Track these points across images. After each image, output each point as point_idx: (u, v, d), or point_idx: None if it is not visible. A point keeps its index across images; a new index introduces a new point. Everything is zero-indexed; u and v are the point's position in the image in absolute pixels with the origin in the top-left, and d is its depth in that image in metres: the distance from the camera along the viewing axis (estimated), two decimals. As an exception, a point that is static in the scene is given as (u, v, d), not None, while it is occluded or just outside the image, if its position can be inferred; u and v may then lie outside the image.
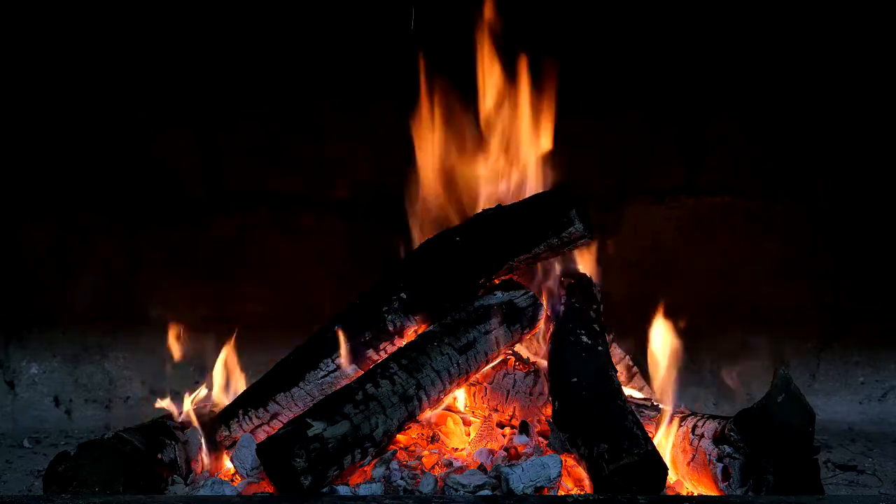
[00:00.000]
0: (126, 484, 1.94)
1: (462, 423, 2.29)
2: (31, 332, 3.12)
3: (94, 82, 3.03)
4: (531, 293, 2.31)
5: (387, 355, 2.21)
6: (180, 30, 3.00)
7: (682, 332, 2.37)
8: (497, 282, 2.33)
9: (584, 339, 2.25)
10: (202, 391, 2.37)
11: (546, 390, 2.24)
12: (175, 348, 2.56)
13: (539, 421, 2.25)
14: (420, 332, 2.25)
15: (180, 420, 2.23)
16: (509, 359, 2.34)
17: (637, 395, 2.40)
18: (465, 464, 2.11)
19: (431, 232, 2.44)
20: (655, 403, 2.28)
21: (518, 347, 2.38)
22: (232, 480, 2.12)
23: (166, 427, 2.16)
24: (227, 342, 2.44)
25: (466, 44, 2.62)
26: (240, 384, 2.39)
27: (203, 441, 2.19)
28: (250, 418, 2.24)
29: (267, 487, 2.01)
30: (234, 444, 2.20)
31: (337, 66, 3.04)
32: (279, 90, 3.06)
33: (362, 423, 1.97)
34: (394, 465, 2.05)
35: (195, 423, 2.20)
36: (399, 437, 2.15)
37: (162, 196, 3.11)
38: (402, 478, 2.02)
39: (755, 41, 3.03)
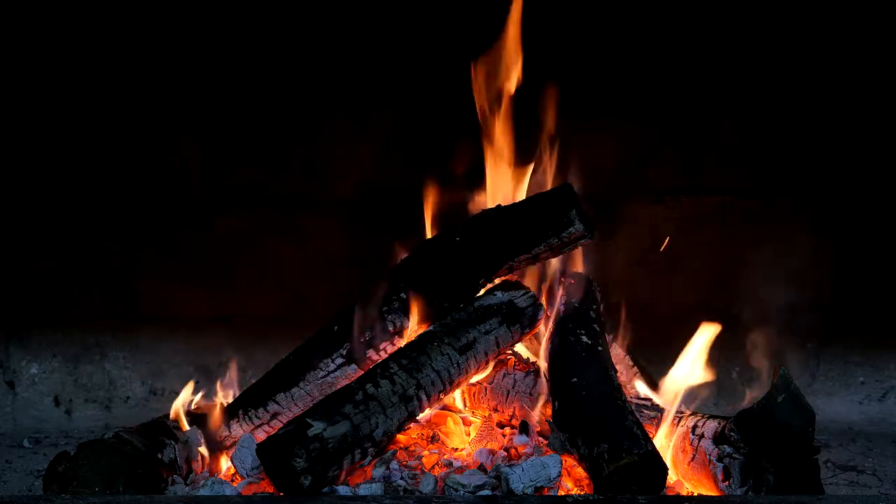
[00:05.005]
0: (126, 484, 1.93)
1: (462, 423, 2.29)
2: (31, 332, 3.12)
3: (95, 83, 3.03)
4: (531, 293, 2.31)
5: (387, 355, 2.21)
6: (182, 31, 3.00)
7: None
8: (497, 282, 2.33)
9: (584, 339, 2.25)
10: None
11: (546, 390, 2.24)
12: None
13: (539, 421, 2.25)
14: (420, 332, 2.25)
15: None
16: (509, 359, 2.34)
17: (637, 395, 2.40)
18: (465, 464, 2.11)
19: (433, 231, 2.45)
20: (655, 403, 2.28)
21: (518, 347, 2.38)
22: (232, 480, 2.13)
23: (166, 427, 2.16)
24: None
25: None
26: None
27: (203, 441, 2.19)
28: (250, 418, 2.24)
29: (267, 487, 2.01)
30: (234, 444, 2.20)
31: (337, 67, 3.04)
32: (280, 91, 3.07)
33: (362, 423, 1.97)
34: (394, 465, 2.05)
35: (185, 427, 2.20)
36: (399, 437, 2.15)
37: (162, 196, 3.11)
38: (402, 478, 2.02)
39: (756, 41, 3.03)
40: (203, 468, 2.19)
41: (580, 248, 2.34)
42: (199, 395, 2.37)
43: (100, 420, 3.08)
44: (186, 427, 2.19)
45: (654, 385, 2.42)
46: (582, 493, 1.98)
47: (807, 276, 3.13)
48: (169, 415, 2.25)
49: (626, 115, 3.07)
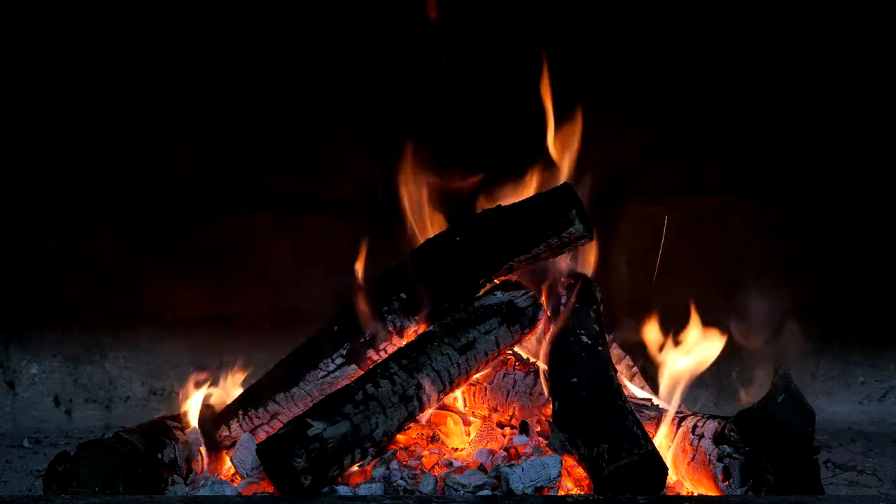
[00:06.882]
0: (126, 484, 1.93)
1: (462, 423, 2.29)
2: (31, 332, 3.12)
3: (94, 82, 3.03)
4: (531, 293, 2.31)
5: (387, 355, 2.21)
6: (181, 32, 3.00)
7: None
8: (497, 282, 2.33)
9: (584, 339, 2.25)
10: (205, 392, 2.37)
11: (546, 390, 2.24)
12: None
13: (539, 421, 2.25)
14: (420, 332, 2.25)
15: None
16: (509, 359, 2.34)
17: (637, 394, 2.40)
18: (465, 464, 2.11)
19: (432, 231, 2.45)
20: (655, 403, 2.28)
21: (518, 347, 2.38)
22: (232, 480, 2.13)
23: (166, 427, 2.16)
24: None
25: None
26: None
27: (203, 441, 2.19)
28: (250, 418, 2.24)
29: (267, 487, 2.01)
30: (234, 444, 2.20)
31: (337, 67, 3.04)
32: (279, 90, 3.06)
33: (362, 423, 1.97)
34: (394, 465, 2.05)
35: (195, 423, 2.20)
36: (399, 437, 2.15)
37: (162, 196, 3.11)
38: (402, 478, 2.02)
39: (756, 41, 3.03)
40: (203, 468, 2.19)
41: (580, 247, 2.34)
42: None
43: (100, 420, 3.08)
44: (196, 423, 2.20)
45: (654, 385, 2.43)
46: (582, 493, 1.98)
47: (807, 276, 3.13)
48: (169, 415, 2.25)
49: (626, 115, 3.07)
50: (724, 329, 2.39)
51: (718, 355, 2.35)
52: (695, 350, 2.36)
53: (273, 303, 3.11)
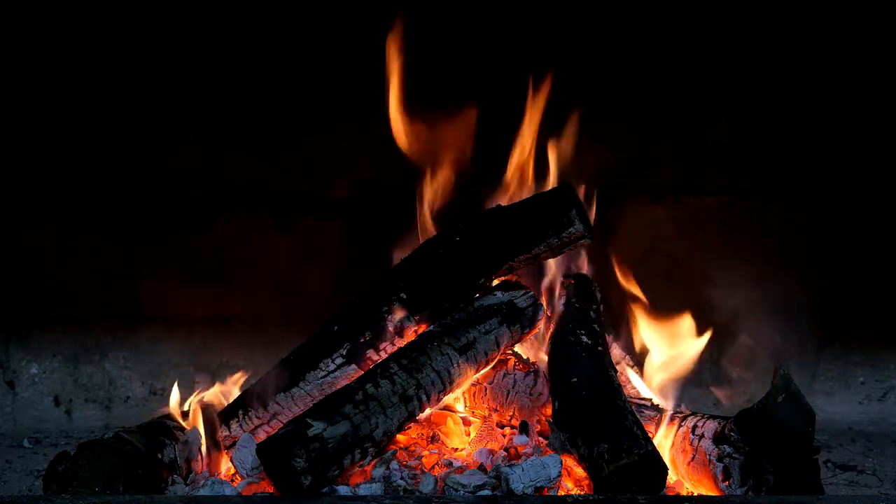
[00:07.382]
0: (126, 484, 1.93)
1: (462, 423, 2.29)
2: (31, 332, 3.12)
3: (94, 83, 3.03)
4: (531, 293, 2.31)
5: (387, 355, 2.21)
6: (181, 32, 3.00)
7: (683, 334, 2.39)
8: (497, 282, 2.33)
9: (584, 339, 2.25)
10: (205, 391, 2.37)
11: (546, 390, 2.24)
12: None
13: (539, 421, 2.25)
14: (420, 332, 2.25)
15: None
16: (509, 359, 2.34)
17: (637, 394, 2.41)
18: (465, 464, 2.11)
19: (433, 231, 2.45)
20: (655, 403, 2.28)
21: (518, 347, 2.38)
22: (232, 480, 2.13)
23: (166, 427, 2.16)
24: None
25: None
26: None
27: (203, 441, 2.19)
28: (250, 418, 2.25)
29: (267, 487, 2.01)
30: (234, 444, 2.20)
31: (337, 67, 3.04)
32: (279, 91, 3.06)
33: (362, 423, 1.97)
34: (394, 465, 2.05)
35: (198, 422, 2.20)
36: (399, 437, 2.15)
37: (162, 196, 3.11)
38: (402, 478, 2.02)
39: (756, 42, 3.03)
40: (203, 468, 2.19)
41: (580, 248, 2.34)
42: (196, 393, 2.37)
43: (100, 420, 3.09)
44: (198, 422, 2.20)
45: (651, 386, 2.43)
46: (582, 493, 1.99)
47: (806, 276, 3.13)
48: (169, 415, 2.25)
49: (625, 115, 3.07)
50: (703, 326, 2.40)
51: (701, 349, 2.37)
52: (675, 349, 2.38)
53: (273, 303, 3.11)
